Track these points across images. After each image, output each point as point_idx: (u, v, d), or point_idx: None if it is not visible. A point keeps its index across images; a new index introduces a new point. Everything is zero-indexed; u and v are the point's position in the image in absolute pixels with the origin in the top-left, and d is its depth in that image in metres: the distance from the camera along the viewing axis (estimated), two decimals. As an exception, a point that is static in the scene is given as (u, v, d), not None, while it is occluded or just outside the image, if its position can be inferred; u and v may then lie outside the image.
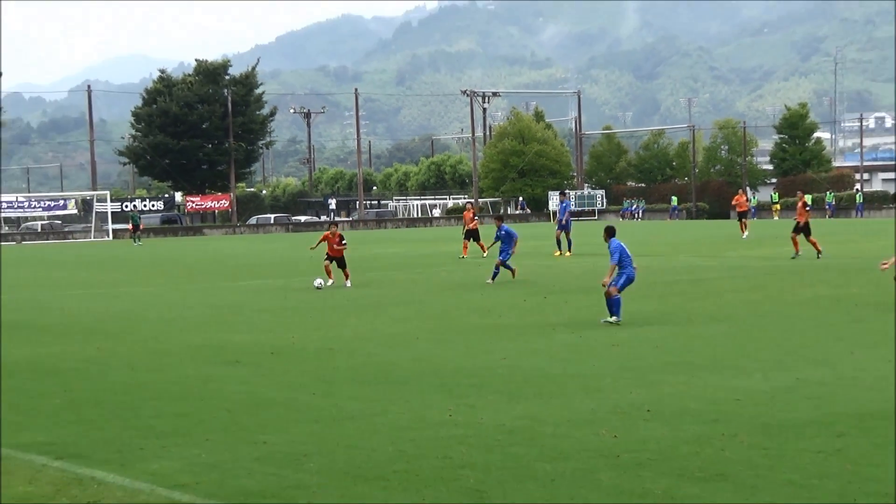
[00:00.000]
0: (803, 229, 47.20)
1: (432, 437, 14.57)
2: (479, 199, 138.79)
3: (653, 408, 16.03)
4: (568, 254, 53.76)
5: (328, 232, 39.66)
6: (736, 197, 75.88)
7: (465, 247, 55.49)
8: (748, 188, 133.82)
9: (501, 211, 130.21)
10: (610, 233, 27.18)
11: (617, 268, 26.24)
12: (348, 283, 38.36)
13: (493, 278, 39.02)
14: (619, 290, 26.13)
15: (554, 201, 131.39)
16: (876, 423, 14.68)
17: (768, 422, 14.93)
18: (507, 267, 39.35)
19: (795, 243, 47.79)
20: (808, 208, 48.32)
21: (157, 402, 17.71)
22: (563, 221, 54.39)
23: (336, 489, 12.15)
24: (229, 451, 14.04)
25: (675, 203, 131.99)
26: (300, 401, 17.49)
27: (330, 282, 38.47)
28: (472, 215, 56.79)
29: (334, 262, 39.15)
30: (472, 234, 55.62)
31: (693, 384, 18.01)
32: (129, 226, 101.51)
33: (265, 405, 17.23)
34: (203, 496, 12.00)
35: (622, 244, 26.51)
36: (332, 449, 14.05)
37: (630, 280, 26.37)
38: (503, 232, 40.31)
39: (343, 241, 38.93)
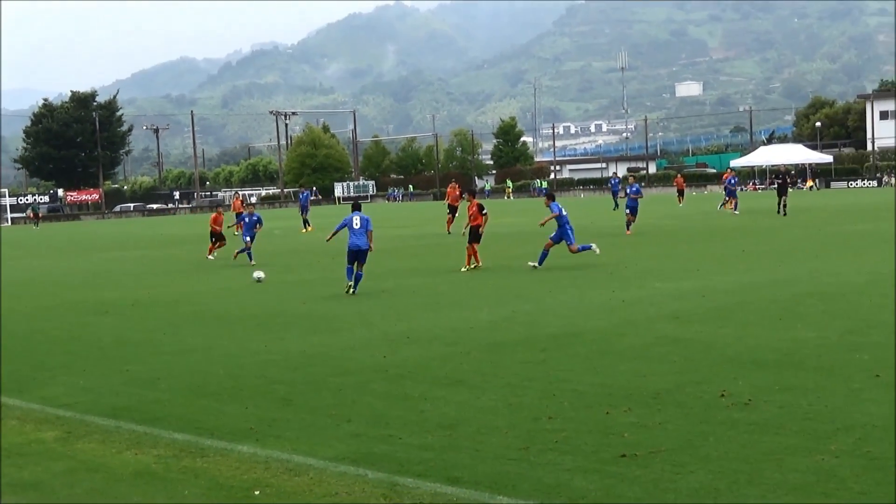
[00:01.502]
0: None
1: (253, 362, 14.39)
2: (284, 189, 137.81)
3: (411, 335, 16.07)
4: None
5: (215, 213, 37.05)
6: (449, 189, 65.81)
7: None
8: (476, 177, 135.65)
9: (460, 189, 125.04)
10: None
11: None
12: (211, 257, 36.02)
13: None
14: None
15: (342, 189, 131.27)
16: (567, 340, 14.94)
17: (492, 342, 15.09)
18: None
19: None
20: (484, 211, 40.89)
21: (46, 345, 17.15)
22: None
23: (183, 403, 11.91)
24: (102, 378, 13.66)
25: (413, 189, 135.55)
26: (154, 339, 17.10)
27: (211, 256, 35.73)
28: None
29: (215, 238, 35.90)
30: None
31: (439, 318, 18.11)
32: (31, 214, 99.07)
33: (128, 343, 16.81)
34: (81, 412, 11.66)
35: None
36: (179, 373, 13.78)
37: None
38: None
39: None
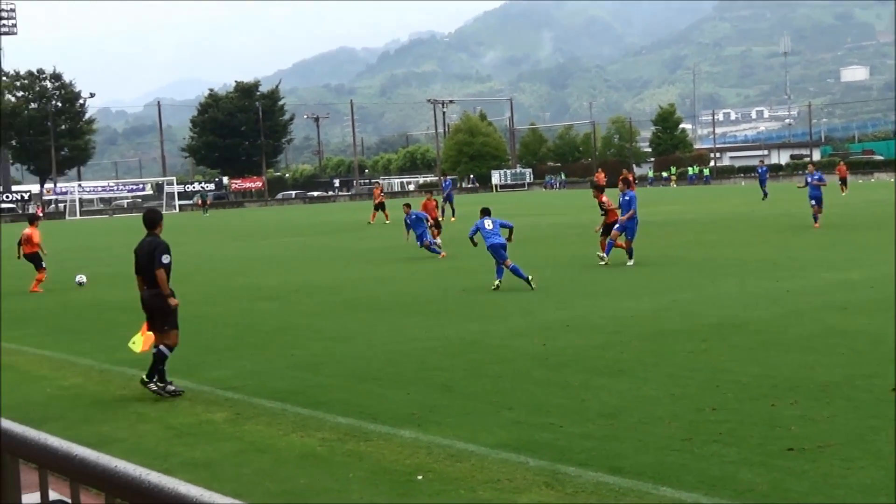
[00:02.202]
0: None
1: (412, 348, 14.54)
2: (442, 177, 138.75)
3: (570, 324, 16.02)
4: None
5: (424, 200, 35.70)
6: (596, 174, 67.20)
7: (374, 216, 53.17)
8: (633, 165, 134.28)
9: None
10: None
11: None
12: None
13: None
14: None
15: (499, 177, 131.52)
16: (729, 330, 14.68)
17: (653, 331, 14.93)
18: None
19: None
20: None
21: (213, 329, 17.65)
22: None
23: (346, 388, 12.12)
24: (267, 362, 14.00)
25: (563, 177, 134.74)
26: (316, 325, 17.44)
27: None
28: (380, 191, 55.54)
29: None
30: (381, 206, 53.40)
31: (599, 306, 18.00)
32: (199, 201, 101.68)
33: (291, 329, 17.19)
34: (248, 394, 11.96)
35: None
36: (341, 359, 14.02)
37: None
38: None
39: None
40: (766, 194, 58.50)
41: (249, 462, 9.14)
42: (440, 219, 37.08)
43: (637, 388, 11.24)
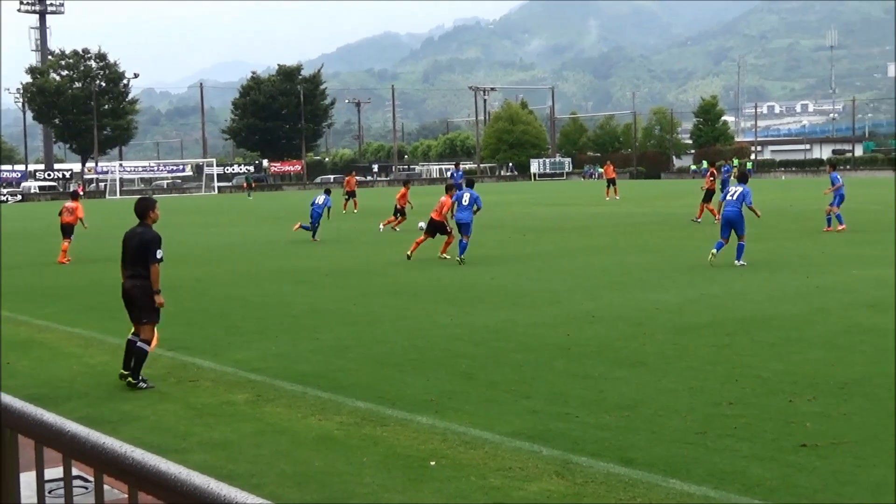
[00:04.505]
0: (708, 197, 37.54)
1: (438, 335, 14.62)
2: (481, 164, 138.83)
3: (596, 314, 16.05)
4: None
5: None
6: (605, 167, 64.23)
7: (345, 204, 52.33)
8: (674, 156, 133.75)
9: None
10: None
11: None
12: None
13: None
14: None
15: (538, 165, 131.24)
16: (754, 325, 14.67)
17: (677, 324, 14.94)
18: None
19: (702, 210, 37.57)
20: (713, 178, 38.88)
21: (242, 310, 17.80)
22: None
23: (368, 372, 12.21)
24: (292, 345, 14.12)
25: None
26: (345, 309, 17.54)
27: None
28: (353, 180, 55.43)
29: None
30: (352, 195, 52.93)
31: (625, 297, 18.01)
32: (244, 184, 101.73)
33: (320, 312, 17.31)
34: (271, 376, 12.09)
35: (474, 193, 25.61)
36: (366, 343, 14.12)
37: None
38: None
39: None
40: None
41: (266, 443, 9.25)
42: (408, 207, 39.13)
43: (657, 380, 11.28)
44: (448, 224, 26.29)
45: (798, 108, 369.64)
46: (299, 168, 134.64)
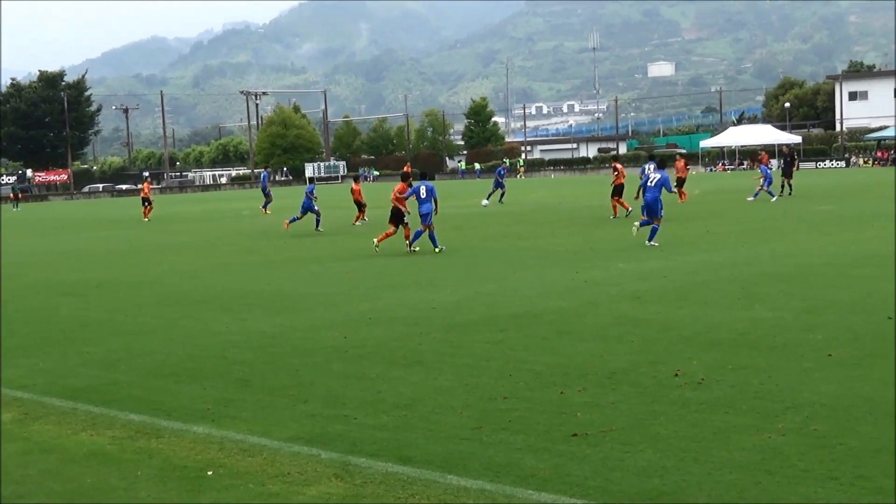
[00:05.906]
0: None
1: (213, 343, 14.41)
2: (255, 170, 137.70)
3: (373, 316, 16.13)
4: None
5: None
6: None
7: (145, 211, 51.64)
8: (447, 157, 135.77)
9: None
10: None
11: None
12: None
13: None
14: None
15: (312, 169, 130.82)
16: (527, 320, 15.02)
17: (453, 322, 15.17)
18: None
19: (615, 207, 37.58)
20: (616, 173, 38.45)
21: (7, 326, 17.08)
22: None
23: (141, 384, 11.93)
24: (61, 360, 13.66)
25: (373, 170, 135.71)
26: (116, 320, 17.08)
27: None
28: (148, 186, 54.02)
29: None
30: (147, 201, 51.67)
31: (403, 298, 18.16)
32: (11, 195, 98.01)
33: (89, 324, 16.80)
34: (39, 393, 11.66)
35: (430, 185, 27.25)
36: (139, 354, 13.79)
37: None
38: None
39: None
40: (502, 194, 52.49)
41: (35, 463, 8.92)
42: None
43: (433, 378, 11.43)
44: (404, 209, 27.27)
45: (565, 109, 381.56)
46: (66, 177, 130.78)
